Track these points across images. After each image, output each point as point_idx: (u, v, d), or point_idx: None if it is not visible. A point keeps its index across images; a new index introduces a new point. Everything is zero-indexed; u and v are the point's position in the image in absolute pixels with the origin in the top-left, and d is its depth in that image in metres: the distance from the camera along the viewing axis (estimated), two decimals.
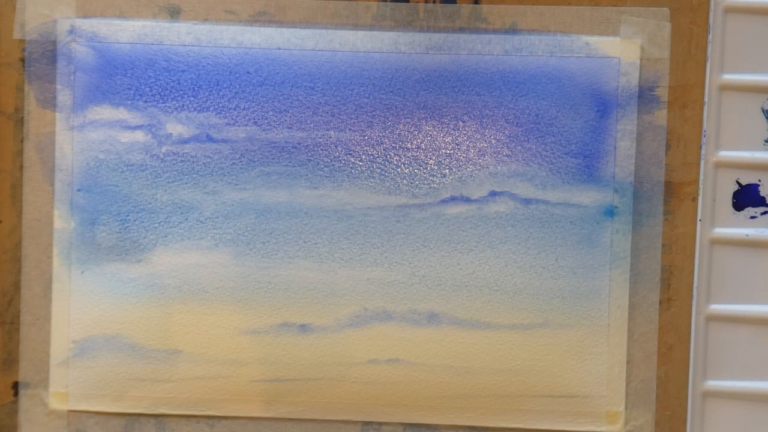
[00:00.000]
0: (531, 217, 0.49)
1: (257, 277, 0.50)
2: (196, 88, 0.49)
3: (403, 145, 0.50)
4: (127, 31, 0.49)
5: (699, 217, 0.49)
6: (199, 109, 0.49)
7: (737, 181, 0.49)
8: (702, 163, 0.49)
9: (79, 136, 0.50)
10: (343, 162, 0.50)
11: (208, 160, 0.50)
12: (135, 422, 0.51)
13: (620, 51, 0.48)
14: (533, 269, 0.50)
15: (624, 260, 0.49)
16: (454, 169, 0.50)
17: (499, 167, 0.49)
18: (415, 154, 0.50)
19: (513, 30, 0.48)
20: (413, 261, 0.50)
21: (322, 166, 0.50)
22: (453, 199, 0.49)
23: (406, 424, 0.50)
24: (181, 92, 0.50)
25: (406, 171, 0.50)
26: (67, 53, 0.49)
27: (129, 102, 0.49)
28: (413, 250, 0.50)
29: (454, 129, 0.49)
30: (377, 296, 0.50)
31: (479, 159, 0.50)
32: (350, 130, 0.49)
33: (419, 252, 0.50)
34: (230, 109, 0.49)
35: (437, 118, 0.49)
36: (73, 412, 0.51)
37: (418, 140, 0.50)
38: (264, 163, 0.50)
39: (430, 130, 0.50)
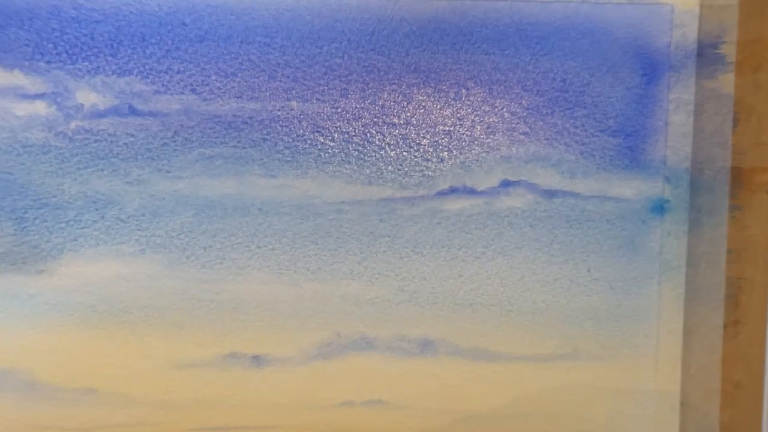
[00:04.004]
0: (555, 214, 0.47)
1: (196, 293, 0.47)
2: (114, 45, 0.46)
3: (388, 120, 0.47)
4: None
5: None
6: (119, 72, 0.46)
7: None
8: None
9: None
10: (308, 142, 0.46)
11: (131, 139, 0.46)
12: None
13: None
14: (558, 283, 0.47)
15: (677, 271, 0.47)
16: (454, 152, 0.47)
17: (513, 149, 0.47)
18: (403, 132, 0.47)
19: None
20: (401, 272, 0.47)
21: (282, 147, 0.46)
22: (453, 190, 0.47)
23: None
24: (95, 50, 0.46)
25: (392, 154, 0.47)
26: None
27: (26, 63, 0.46)
28: (401, 257, 0.47)
29: (454, 99, 0.47)
30: (354, 318, 0.47)
31: (487, 138, 0.47)
32: (318, 100, 0.46)
33: (409, 260, 0.47)
34: (160, 72, 0.46)
35: (433, 85, 0.47)
36: None
37: (408, 113, 0.47)
38: (205, 144, 0.46)
39: (424, 100, 0.47)
